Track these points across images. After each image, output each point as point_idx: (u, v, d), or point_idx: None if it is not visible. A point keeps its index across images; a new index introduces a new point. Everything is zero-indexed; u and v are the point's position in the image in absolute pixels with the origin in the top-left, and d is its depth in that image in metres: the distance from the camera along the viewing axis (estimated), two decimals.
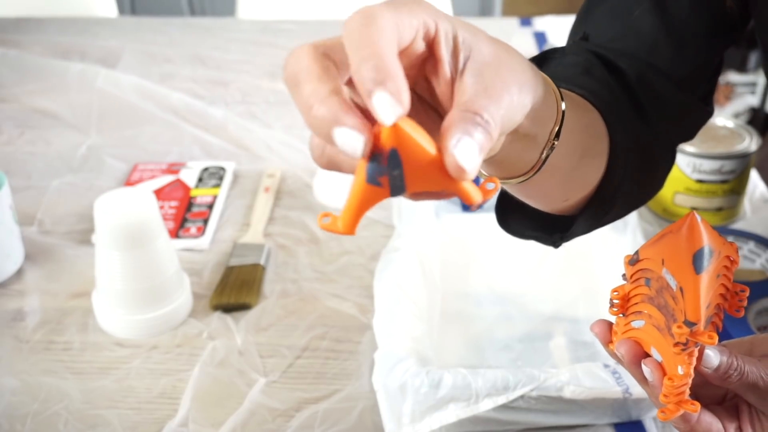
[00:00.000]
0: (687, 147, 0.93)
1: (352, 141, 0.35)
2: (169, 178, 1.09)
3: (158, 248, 0.82)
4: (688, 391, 0.48)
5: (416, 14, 0.39)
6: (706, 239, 0.47)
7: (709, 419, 0.50)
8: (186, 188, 1.07)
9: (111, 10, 1.84)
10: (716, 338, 0.46)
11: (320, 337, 0.83)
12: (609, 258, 0.88)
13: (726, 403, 0.53)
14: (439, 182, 0.39)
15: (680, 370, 0.47)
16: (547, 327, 0.84)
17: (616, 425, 0.72)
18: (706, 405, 0.51)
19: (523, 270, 0.90)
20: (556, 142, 0.50)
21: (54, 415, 0.74)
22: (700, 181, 0.93)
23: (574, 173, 0.57)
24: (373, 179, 0.37)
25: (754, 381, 0.49)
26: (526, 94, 0.42)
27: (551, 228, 0.62)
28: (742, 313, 0.50)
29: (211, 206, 1.03)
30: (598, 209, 0.60)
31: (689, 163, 0.93)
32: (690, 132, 0.68)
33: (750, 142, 0.94)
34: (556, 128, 0.50)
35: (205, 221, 1.00)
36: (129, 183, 1.08)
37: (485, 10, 2.76)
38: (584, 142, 0.56)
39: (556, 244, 0.62)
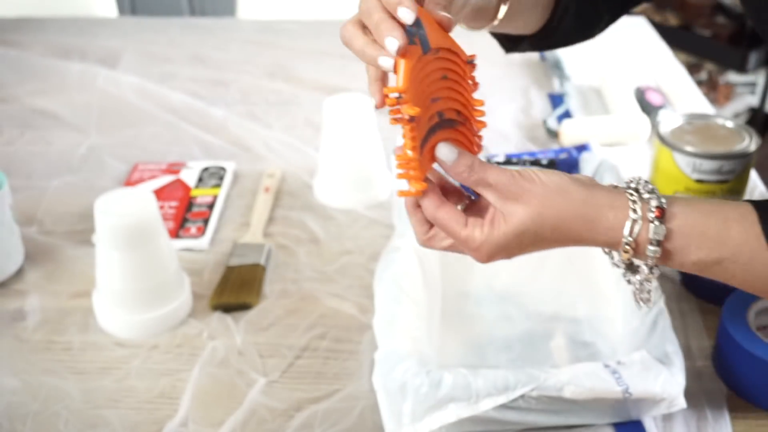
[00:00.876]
0: (687, 147, 0.93)
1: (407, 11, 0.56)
2: (169, 178, 1.09)
3: (158, 248, 0.82)
4: (419, 174, 0.58)
5: None
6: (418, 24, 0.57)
7: (451, 212, 0.60)
8: (186, 188, 1.07)
9: (111, 11, 1.85)
10: (416, 110, 0.55)
11: (320, 337, 0.83)
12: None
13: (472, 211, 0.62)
14: (442, 38, 0.58)
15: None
16: (547, 327, 0.84)
17: (616, 425, 0.72)
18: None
19: (523, 270, 0.90)
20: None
21: (54, 415, 0.74)
22: (699, 181, 0.93)
23: (529, 17, 0.78)
24: (411, 39, 0.55)
25: (494, 182, 0.58)
26: None
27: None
28: (483, 125, 0.62)
29: (211, 206, 1.03)
30: (541, 40, 0.81)
31: (689, 163, 0.93)
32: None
33: (749, 142, 0.94)
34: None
35: (205, 221, 1.00)
36: (129, 183, 1.08)
37: None
38: None
39: (506, 50, 0.84)
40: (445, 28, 0.60)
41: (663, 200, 0.59)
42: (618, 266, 0.62)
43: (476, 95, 0.62)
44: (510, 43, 0.84)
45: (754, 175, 1.05)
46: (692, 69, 2.81)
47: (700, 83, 2.77)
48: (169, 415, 0.74)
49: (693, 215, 0.59)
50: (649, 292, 0.62)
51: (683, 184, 0.94)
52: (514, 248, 0.60)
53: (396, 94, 0.56)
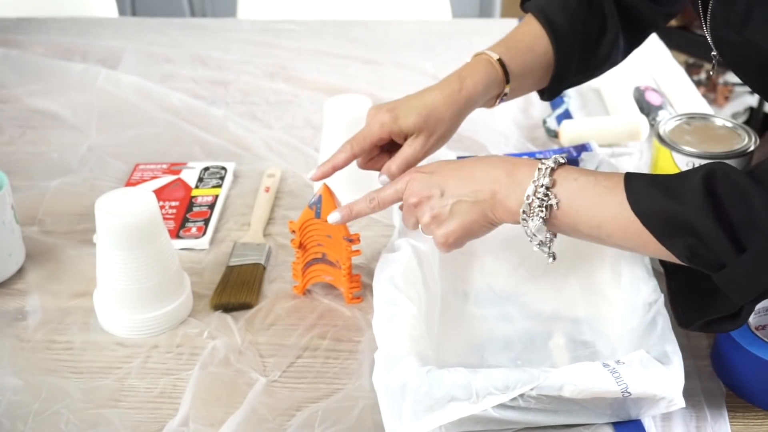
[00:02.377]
0: (686, 147, 0.93)
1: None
2: (169, 178, 1.09)
3: (159, 248, 0.82)
4: (300, 284, 0.89)
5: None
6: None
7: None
8: (187, 188, 1.07)
9: (111, 11, 1.85)
10: (297, 243, 0.87)
11: (320, 337, 0.83)
12: (609, 258, 0.88)
13: None
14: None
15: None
16: (547, 327, 0.84)
17: (616, 424, 0.72)
18: None
19: (523, 270, 0.91)
20: (504, 98, 0.92)
21: (55, 414, 0.74)
22: None
23: (531, 85, 0.95)
24: (311, 205, 0.86)
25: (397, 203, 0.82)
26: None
27: None
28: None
29: (211, 206, 1.04)
30: (553, 89, 0.97)
31: (688, 163, 0.93)
32: (647, 30, 1.01)
33: (749, 142, 0.94)
34: (503, 93, 0.91)
35: (206, 221, 1.01)
36: (130, 183, 1.09)
37: (485, 11, 2.76)
38: (534, 81, 0.94)
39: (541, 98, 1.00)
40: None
41: (562, 161, 0.73)
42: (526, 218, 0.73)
43: None
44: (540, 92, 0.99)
45: None
46: (691, 69, 2.81)
47: (699, 83, 2.77)
48: (169, 415, 0.74)
49: (580, 179, 0.71)
50: (549, 248, 0.74)
51: None
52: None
53: (292, 231, 0.87)
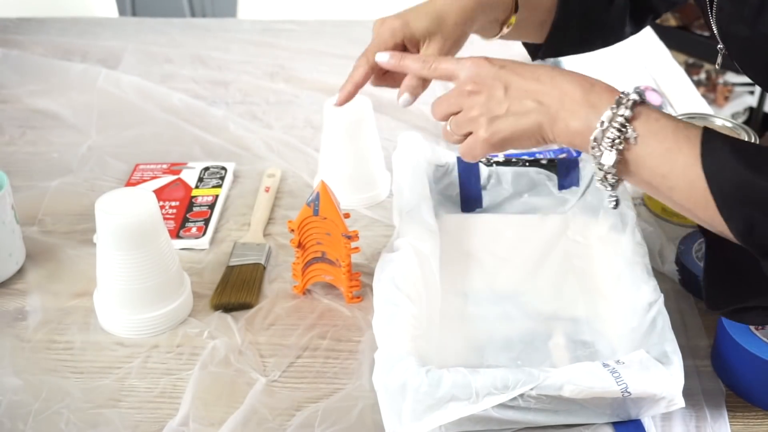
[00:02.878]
0: None
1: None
2: (169, 178, 1.09)
3: (159, 248, 0.82)
4: (300, 284, 0.90)
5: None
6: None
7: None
8: (187, 188, 1.07)
9: (112, 11, 1.85)
10: (296, 242, 0.87)
11: (320, 337, 0.83)
12: (608, 258, 0.89)
13: None
14: (332, 212, 0.84)
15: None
16: (547, 326, 0.84)
17: (615, 424, 0.72)
18: None
19: (523, 270, 0.91)
20: (510, 25, 0.87)
21: (55, 414, 0.74)
22: None
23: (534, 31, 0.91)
24: (309, 203, 0.85)
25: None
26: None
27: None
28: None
29: (211, 206, 1.04)
30: (550, 48, 0.93)
31: None
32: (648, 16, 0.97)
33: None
34: (508, 20, 0.87)
35: (206, 221, 1.01)
36: (130, 183, 1.09)
37: None
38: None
39: (531, 57, 0.96)
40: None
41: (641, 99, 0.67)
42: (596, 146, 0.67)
43: None
44: (533, 49, 0.95)
45: None
46: (691, 69, 2.81)
47: (698, 83, 2.77)
48: (169, 414, 0.74)
49: (661, 120, 0.66)
50: (614, 187, 0.68)
51: None
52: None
53: (291, 230, 0.87)
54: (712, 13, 0.77)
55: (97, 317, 0.85)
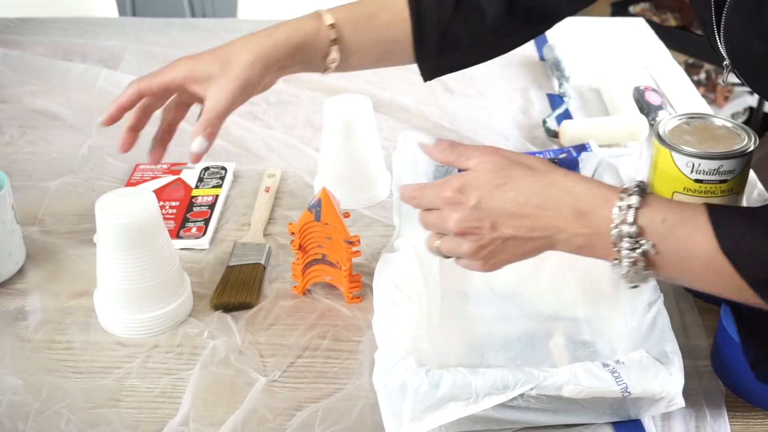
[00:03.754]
0: (685, 147, 0.94)
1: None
2: (169, 178, 1.09)
3: (159, 248, 0.82)
4: (300, 285, 0.89)
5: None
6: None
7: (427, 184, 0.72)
8: (187, 188, 1.07)
9: (112, 11, 1.85)
10: (296, 244, 0.87)
11: (320, 337, 0.83)
12: None
13: None
14: (333, 217, 0.84)
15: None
16: (547, 326, 0.84)
17: (615, 424, 0.72)
18: None
19: (522, 270, 0.90)
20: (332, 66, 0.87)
21: (55, 414, 0.74)
22: (698, 181, 0.94)
23: (383, 62, 0.91)
24: (310, 209, 0.85)
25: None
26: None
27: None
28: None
29: (211, 206, 1.04)
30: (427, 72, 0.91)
31: (688, 163, 0.93)
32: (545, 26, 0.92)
33: (748, 142, 0.94)
34: (331, 62, 0.87)
35: (206, 221, 1.01)
36: (130, 183, 1.09)
37: None
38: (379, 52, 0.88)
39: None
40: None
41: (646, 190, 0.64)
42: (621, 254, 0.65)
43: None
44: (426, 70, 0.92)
45: (752, 175, 1.05)
46: (691, 69, 2.81)
47: (698, 83, 2.77)
48: (169, 414, 0.74)
49: (668, 220, 0.63)
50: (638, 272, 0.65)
51: (682, 184, 0.95)
52: (492, 179, 0.67)
53: (291, 233, 0.87)
54: (719, 31, 0.75)
55: (98, 317, 0.85)
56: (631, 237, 0.63)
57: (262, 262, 0.93)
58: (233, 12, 1.86)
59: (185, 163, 1.12)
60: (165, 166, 1.12)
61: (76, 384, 0.78)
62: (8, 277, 0.92)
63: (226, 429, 0.72)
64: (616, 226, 0.63)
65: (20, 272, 0.93)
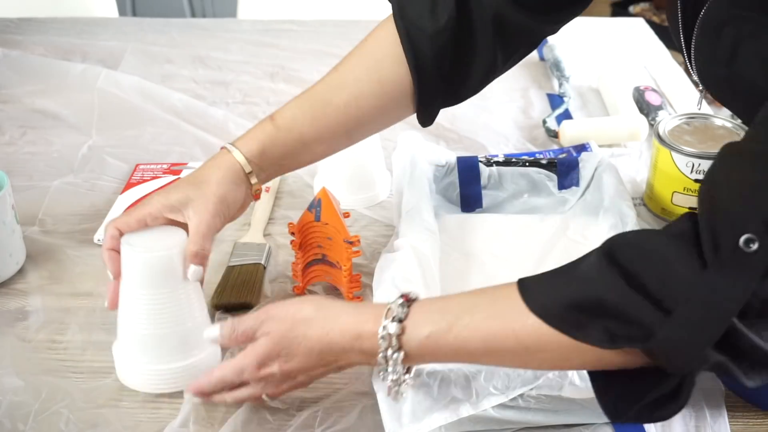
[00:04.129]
0: (685, 147, 0.94)
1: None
2: (170, 178, 1.09)
3: (187, 289, 0.75)
4: (300, 284, 0.90)
5: None
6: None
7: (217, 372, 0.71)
8: None
9: (112, 11, 1.85)
10: (296, 243, 0.88)
11: None
12: None
13: None
14: (333, 217, 0.85)
15: None
16: None
17: (615, 424, 0.72)
18: None
19: (523, 270, 0.90)
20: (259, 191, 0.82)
21: (55, 414, 0.74)
22: (698, 181, 0.94)
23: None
24: (310, 209, 0.86)
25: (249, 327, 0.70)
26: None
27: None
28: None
29: None
30: (424, 119, 0.87)
31: (688, 163, 0.93)
32: (537, 42, 0.88)
33: None
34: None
35: None
36: (130, 183, 1.09)
37: None
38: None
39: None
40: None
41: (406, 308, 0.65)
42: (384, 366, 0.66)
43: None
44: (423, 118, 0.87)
45: None
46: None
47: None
48: (170, 415, 0.74)
49: (430, 303, 0.66)
50: (400, 386, 0.66)
51: (682, 184, 0.95)
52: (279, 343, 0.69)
53: (292, 233, 0.87)
54: (690, 55, 0.75)
55: (117, 371, 0.78)
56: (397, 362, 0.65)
57: (262, 262, 0.93)
58: (233, 12, 1.87)
59: (185, 163, 1.12)
60: (165, 166, 1.12)
61: (76, 384, 0.78)
62: (8, 277, 0.92)
63: (227, 430, 0.72)
64: (383, 352, 0.65)
65: (20, 272, 0.93)
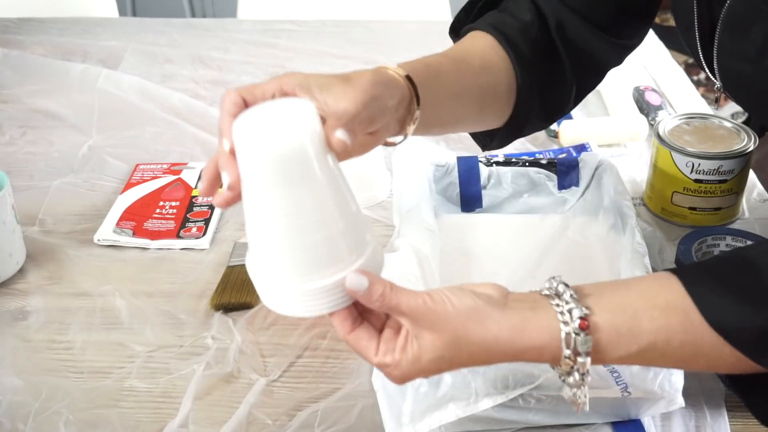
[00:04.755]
0: (685, 147, 0.94)
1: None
2: (170, 178, 1.09)
3: (334, 178, 0.61)
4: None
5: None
6: None
7: (361, 337, 0.58)
8: (187, 188, 1.07)
9: (112, 12, 1.85)
10: None
11: (320, 337, 0.83)
12: (608, 258, 0.89)
13: (387, 329, 0.59)
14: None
15: None
16: None
17: (615, 424, 0.72)
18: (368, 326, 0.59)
19: (522, 270, 0.91)
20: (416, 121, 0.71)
21: (55, 414, 0.74)
22: (698, 181, 0.94)
23: (459, 126, 0.82)
24: None
25: (406, 309, 0.56)
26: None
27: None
28: None
29: (212, 206, 1.04)
30: (510, 133, 0.84)
31: (688, 163, 0.93)
32: (602, 68, 0.89)
33: (748, 142, 0.94)
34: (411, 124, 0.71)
35: (206, 221, 1.01)
36: (130, 183, 1.09)
37: None
38: (466, 105, 0.78)
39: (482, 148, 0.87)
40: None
41: (584, 309, 0.57)
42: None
43: None
44: (484, 140, 0.86)
45: (752, 175, 1.05)
46: (691, 69, 2.81)
47: (698, 83, 2.77)
48: (170, 415, 0.74)
49: (610, 317, 0.58)
50: (585, 396, 0.59)
51: (682, 184, 0.95)
52: (429, 371, 0.58)
53: None
54: (712, 52, 0.73)
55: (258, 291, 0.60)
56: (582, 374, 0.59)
57: None
58: (233, 12, 1.87)
59: (185, 163, 1.12)
60: (165, 166, 1.12)
61: (76, 384, 0.78)
62: (8, 277, 0.92)
63: (227, 430, 0.72)
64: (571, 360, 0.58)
65: (20, 272, 0.93)
